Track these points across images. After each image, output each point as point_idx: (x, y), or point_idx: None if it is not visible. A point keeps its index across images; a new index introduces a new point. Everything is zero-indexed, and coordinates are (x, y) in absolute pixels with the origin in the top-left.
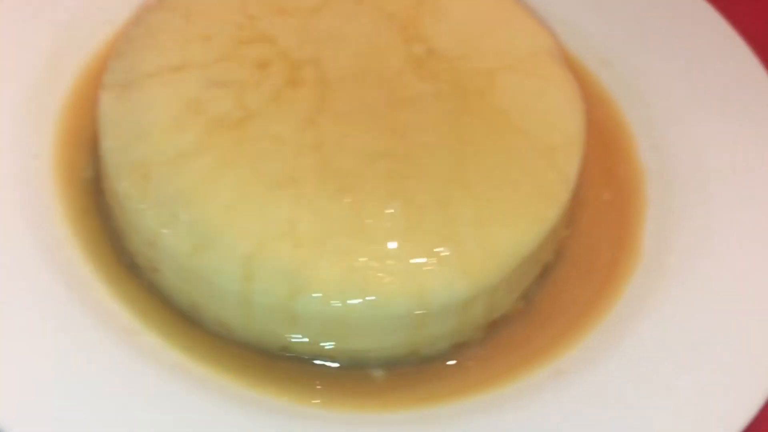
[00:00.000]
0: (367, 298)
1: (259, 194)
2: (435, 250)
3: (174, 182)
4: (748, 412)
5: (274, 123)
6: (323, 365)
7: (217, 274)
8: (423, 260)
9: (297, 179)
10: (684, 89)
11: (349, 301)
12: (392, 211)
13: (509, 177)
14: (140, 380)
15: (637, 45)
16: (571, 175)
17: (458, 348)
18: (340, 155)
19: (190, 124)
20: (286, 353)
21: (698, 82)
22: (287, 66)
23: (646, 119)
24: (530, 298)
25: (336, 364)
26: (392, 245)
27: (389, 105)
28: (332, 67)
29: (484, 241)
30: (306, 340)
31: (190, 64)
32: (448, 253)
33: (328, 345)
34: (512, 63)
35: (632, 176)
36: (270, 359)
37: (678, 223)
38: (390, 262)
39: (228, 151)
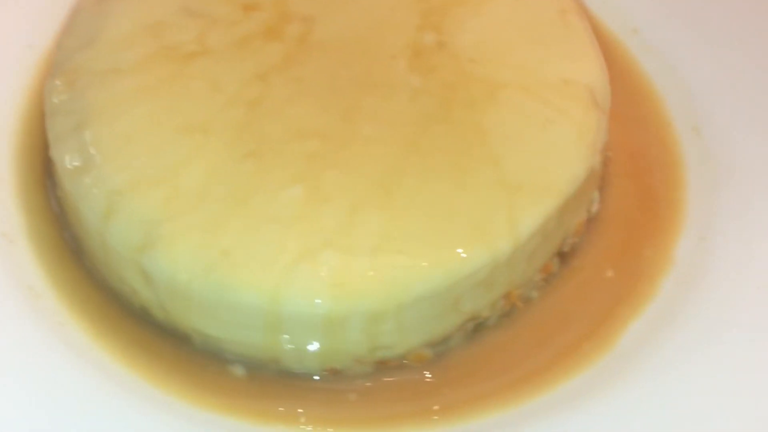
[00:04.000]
0: (212, 280)
1: (160, 132)
2: (312, 252)
3: (91, 94)
4: None
5: (222, 68)
6: (188, 351)
7: (83, 201)
8: (289, 259)
9: (209, 130)
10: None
11: (195, 278)
12: (291, 195)
13: (446, 202)
14: None
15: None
16: (521, 232)
17: (335, 374)
18: (271, 122)
19: (139, 44)
20: (147, 317)
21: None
22: (276, 15)
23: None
24: (446, 347)
25: (197, 349)
26: (267, 232)
27: (358, 87)
28: (323, 30)
29: (375, 266)
30: (158, 306)
31: None
32: (325, 262)
33: (180, 319)
34: (529, 84)
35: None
36: (135, 326)
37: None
38: (254, 251)
39: (157, 81)
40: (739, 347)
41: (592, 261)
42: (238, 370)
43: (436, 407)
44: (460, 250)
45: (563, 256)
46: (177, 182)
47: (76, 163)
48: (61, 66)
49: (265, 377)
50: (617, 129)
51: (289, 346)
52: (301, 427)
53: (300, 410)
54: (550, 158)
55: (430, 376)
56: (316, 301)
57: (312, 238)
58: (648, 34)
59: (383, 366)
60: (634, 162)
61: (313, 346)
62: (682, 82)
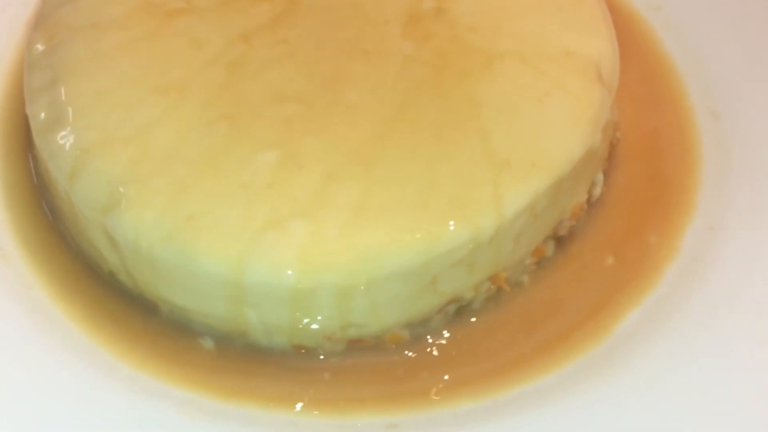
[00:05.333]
0: (174, 245)
1: (134, 90)
2: (281, 221)
3: (68, 49)
4: None
5: (206, 26)
6: (157, 321)
7: (52, 159)
8: (256, 227)
9: (185, 89)
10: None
11: (158, 242)
12: (264, 160)
13: (427, 175)
14: None
15: None
16: (506, 210)
17: (307, 352)
18: (250, 84)
19: (123, 0)
20: (116, 284)
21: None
22: None
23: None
24: (425, 329)
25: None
26: (236, 198)
27: (347, 52)
28: None
29: (346, 238)
30: (125, 272)
31: None
32: (294, 232)
33: (146, 286)
34: (528, 55)
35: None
36: (104, 293)
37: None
38: (220, 217)
39: (137, 38)
40: (740, 345)
41: (591, 246)
42: (207, 343)
43: (411, 391)
44: (438, 226)
45: (559, 240)
46: (146, 142)
47: (47, 120)
48: (44, 20)
49: (235, 352)
50: (631, 109)
51: (255, 319)
52: (270, 405)
53: (271, 388)
54: (543, 133)
55: (407, 358)
56: (282, 271)
57: (282, 206)
58: (672, 12)
59: (357, 345)
60: (646, 144)
61: (281, 320)
62: (703, 64)
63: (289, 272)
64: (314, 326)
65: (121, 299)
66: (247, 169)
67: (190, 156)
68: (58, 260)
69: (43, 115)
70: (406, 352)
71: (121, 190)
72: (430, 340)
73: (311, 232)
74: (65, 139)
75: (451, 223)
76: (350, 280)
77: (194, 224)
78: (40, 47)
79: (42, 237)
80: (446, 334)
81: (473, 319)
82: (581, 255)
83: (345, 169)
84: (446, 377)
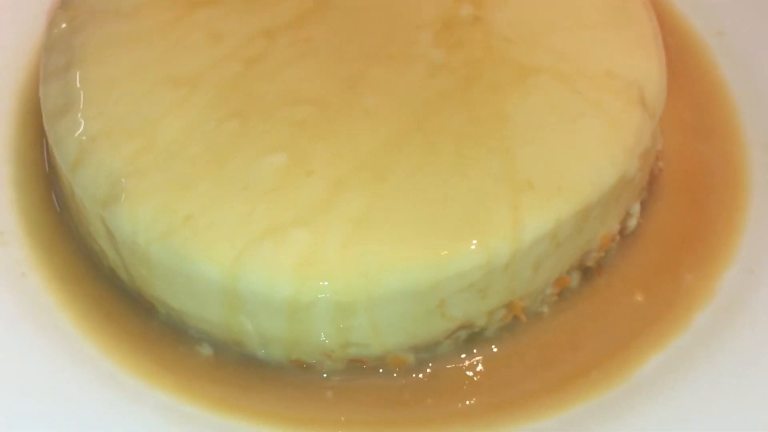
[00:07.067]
0: (170, 245)
1: (146, 80)
2: (282, 228)
3: (86, 34)
4: None
5: (229, 20)
6: (157, 324)
7: (57, 146)
8: (255, 232)
9: (198, 83)
10: None
11: (153, 240)
12: (271, 163)
13: (442, 191)
14: None
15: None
16: (524, 235)
17: (306, 369)
18: (267, 82)
19: None
20: (115, 281)
21: None
22: None
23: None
24: (432, 354)
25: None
26: (237, 201)
27: (372, 55)
28: None
29: (348, 251)
30: (123, 268)
31: None
32: (294, 240)
33: (143, 286)
34: (566, 71)
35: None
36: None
37: None
38: (219, 219)
39: (156, 27)
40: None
41: (620, 281)
42: (206, 350)
43: (416, 418)
44: (448, 246)
45: (586, 272)
46: (152, 135)
47: (56, 105)
48: (68, 2)
49: (234, 361)
50: (678, 137)
51: (250, 328)
52: (268, 421)
53: (269, 403)
54: (572, 156)
55: (414, 383)
56: (277, 281)
57: (284, 212)
58: (733, 39)
59: (359, 365)
60: (691, 177)
61: (277, 332)
62: (762, 94)
63: (285, 283)
64: (312, 342)
65: (120, 298)
66: (252, 171)
67: (194, 153)
68: (60, 251)
69: (53, 99)
70: (411, 377)
71: (123, 182)
72: (438, 367)
73: (311, 243)
74: (72, 126)
75: (463, 243)
76: (349, 297)
77: (191, 224)
78: (60, 28)
79: (47, 226)
80: (454, 361)
81: (486, 348)
82: (608, 289)
83: (354, 178)
84: (453, 407)
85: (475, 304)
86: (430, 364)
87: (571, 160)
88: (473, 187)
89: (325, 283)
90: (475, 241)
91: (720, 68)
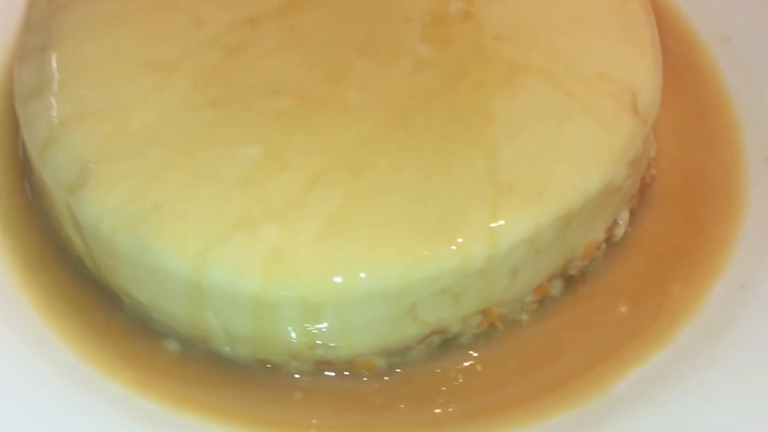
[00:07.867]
0: (135, 235)
1: (122, 64)
2: (252, 222)
3: (67, 14)
4: None
5: (213, 5)
6: (123, 317)
7: (27, 128)
8: (224, 225)
9: (176, 69)
10: None
11: (118, 229)
12: (245, 154)
13: (419, 190)
14: None
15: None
16: (501, 239)
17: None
18: (247, 71)
19: None
20: (83, 271)
21: None
22: None
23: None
24: (403, 359)
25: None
26: (207, 192)
27: (356, 47)
28: None
29: (319, 249)
30: (89, 257)
31: None
32: (263, 235)
33: (109, 276)
34: (556, 72)
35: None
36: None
37: None
38: (187, 210)
39: (137, 10)
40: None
41: (604, 291)
42: (172, 346)
43: (388, 423)
44: (422, 248)
45: (569, 280)
46: (126, 120)
47: (29, 86)
48: None
49: (202, 358)
50: (675, 145)
51: (216, 324)
52: (233, 422)
53: (235, 403)
54: (557, 160)
55: (385, 387)
56: (244, 277)
57: (255, 206)
58: (739, 46)
59: (327, 367)
60: (685, 186)
61: (242, 330)
62: (763, 104)
63: (252, 279)
64: (278, 341)
65: (87, 288)
66: (225, 161)
67: (167, 140)
68: (29, 240)
69: (27, 80)
70: (382, 381)
71: (91, 167)
72: (410, 372)
73: (282, 239)
74: (43, 108)
75: (437, 246)
76: (318, 297)
77: (159, 214)
78: (40, 8)
79: (17, 215)
80: (427, 367)
81: (461, 355)
82: (592, 299)
83: (331, 173)
84: (426, 413)
85: (449, 309)
86: (402, 369)
87: (555, 163)
88: (452, 188)
89: (294, 282)
90: (448, 244)
91: (724, 76)
